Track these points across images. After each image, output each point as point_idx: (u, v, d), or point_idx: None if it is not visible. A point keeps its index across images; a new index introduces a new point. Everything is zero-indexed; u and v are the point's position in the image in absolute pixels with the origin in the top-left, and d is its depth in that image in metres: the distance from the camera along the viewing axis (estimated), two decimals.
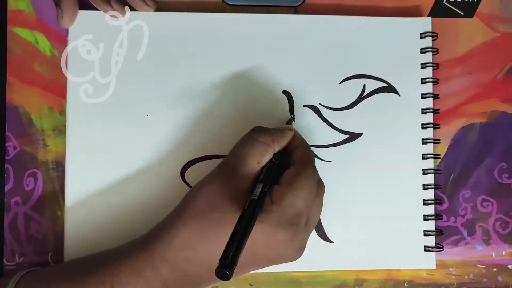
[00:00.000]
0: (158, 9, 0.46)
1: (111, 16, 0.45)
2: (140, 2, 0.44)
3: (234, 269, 0.32)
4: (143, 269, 0.37)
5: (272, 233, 0.37)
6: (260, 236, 0.37)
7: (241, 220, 0.35)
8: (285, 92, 0.47)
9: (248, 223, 0.34)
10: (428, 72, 0.48)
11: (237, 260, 0.32)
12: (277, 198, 0.38)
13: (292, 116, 0.46)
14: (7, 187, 0.45)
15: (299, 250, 0.39)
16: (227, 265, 0.31)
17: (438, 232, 0.47)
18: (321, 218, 0.46)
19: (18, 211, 0.45)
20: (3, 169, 0.45)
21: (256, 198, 0.36)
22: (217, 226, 0.37)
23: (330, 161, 0.47)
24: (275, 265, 0.45)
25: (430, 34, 0.48)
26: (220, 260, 0.32)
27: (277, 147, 0.41)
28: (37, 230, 0.45)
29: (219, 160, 0.43)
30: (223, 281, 0.33)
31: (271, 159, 0.40)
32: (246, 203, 0.36)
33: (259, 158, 0.39)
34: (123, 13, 0.45)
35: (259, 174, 0.39)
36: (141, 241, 0.39)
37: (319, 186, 0.41)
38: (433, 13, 0.49)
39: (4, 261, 0.45)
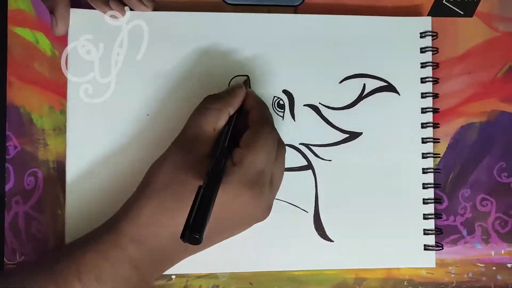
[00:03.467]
0: (158, 9, 0.46)
1: (111, 16, 0.45)
2: (137, 2, 0.44)
3: (203, 231, 0.31)
4: (109, 250, 0.37)
5: (236, 194, 0.37)
6: (224, 199, 0.36)
7: (205, 186, 0.34)
8: (285, 92, 0.47)
9: (212, 188, 0.34)
10: (428, 72, 0.48)
11: (206, 222, 0.32)
12: (237, 159, 0.38)
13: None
14: (7, 186, 0.45)
15: (266, 210, 0.40)
16: (195, 229, 0.31)
17: (438, 231, 0.47)
18: (321, 217, 0.46)
19: (18, 210, 0.45)
20: (3, 169, 0.45)
21: (215, 164, 0.37)
22: (180, 198, 0.37)
23: (330, 160, 0.47)
24: (274, 264, 0.45)
25: (430, 33, 0.48)
26: (186, 225, 0.32)
27: (231, 110, 0.41)
28: (38, 229, 0.45)
29: None
30: (195, 247, 0.34)
31: (227, 123, 0.41)
32: (206, 171, 0.36)
33: (213, 124, 0.40)
34: (123, 13, 0.45)
35: (217, 139, 0.40)
36: (107, 225, 0.39)
37: (280, 145, 0.41)
38: (433, 13, 0.49)
39: (5, 260, 0.45)
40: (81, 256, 0.37)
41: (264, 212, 0.40)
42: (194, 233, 0.31)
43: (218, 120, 0.40)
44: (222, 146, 0.39)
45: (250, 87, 0.46)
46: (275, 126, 0.45)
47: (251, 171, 0.38)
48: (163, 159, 0.40)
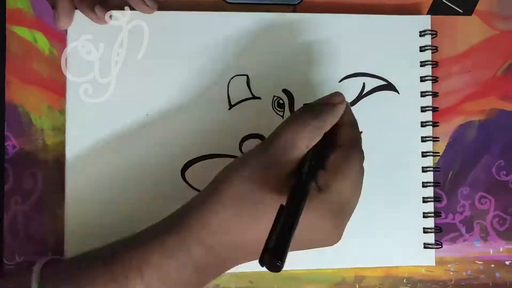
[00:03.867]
0: (158, 8, 0.46)
1: (111, 16, 0.44)
2: (139, 2, 0.44)
3: (285, 258, 0.29)
4: (175, 251, 0.36)
5: (318, 222, 0.36)
6: (305, 223, 0.33)
7: (288, 209, 0.32)
8: (285, 91, 0.47)
9: (295, 213, 0.31)
10: (427, 70, 0.48)
11: (287, 248, 0.29)
12: (324, 185, 0.36)
13: (247, 76, 0.46)
14: (6, 187, 0.45)
15: (338, 237, 0.38)
16: (276, 255, 0.29)
17: (437, 229, 0.48)
18: None
19: (17, 210, 0.45)
20: (2, 169, 0.45)
21: (301, 186, 0.34)
22: (256, 213, 0.35)
23: None
24: None
25: (429, 32, 0.48)
26: (266, 248, 0.29)
27: (328, 128, 0.38)
28: (37, 229, 0.45)
29: (220, 160, 0.44)
30: (272, 271, 0.30)
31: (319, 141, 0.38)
32: (290, 190, 0.34)
33: (308, 142, 0.37)
34: (105, 21, 0.44)
35: (304, 158, 0.37)
36: (172, 223, 0.37)
37: (363, 169, 0.39)
38: (432, 11, 0.49)
39: (4, 260, 0.45)
40: (145, 252, 0.36)
41: (337, 240, 0.38)
42: (275, 260, 0.29)
43: (313, 139, 0.37)
44: (310, 166, 0.36)
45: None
46: (274, 125, 0.45)
47: (337, 200, 0.36)
48: (243, 164, 0.37)
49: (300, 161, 0.37)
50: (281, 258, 0.29)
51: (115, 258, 0.36)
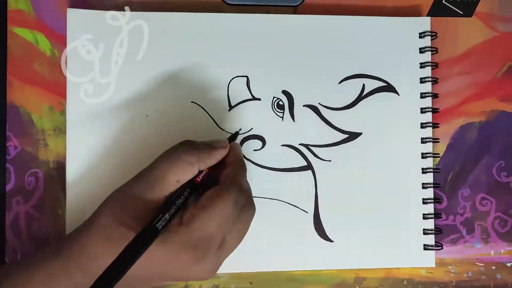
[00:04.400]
0: (158, 9, 0.46)
1: (111, 16, 0.45)
2: None
3: None
4: (57, 275, 0.37)
5: (174, 254, 0.36)
6: (160, 255, 0.36)
7: (131, 243, 0.34)
8: (285, 92, 0.47)
9: (138, 247, 0.33)
10: (427, 72, 0.48)
11: (113, 284, 0.32)
12: (187, 219, 0.36)
13: (239, 130, 0.46)
14: (8, 187, 0.45)
15: (208, 273, 0.38)
16: (101, 285, 0.31)
17: (438, 231, 0.47)
18: (321, 217, 0.46)
19: (19, 210, 0.45)
20: (4, 169, 0.45)
21: (154, 223, 0.35)
22: (119, 243, 0.35)
23: (330, 161, 0.47)
24: (274, 264, 0.45)
25: (429, 33, 0.48)
26: (97, 280, 0.31)
27: (202, 166, 0.39)
28: (39, 229, 0.46)
29: None
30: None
31: (192, 179, 0.39)
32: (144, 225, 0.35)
33: (180, 176, 0.38)
34: None
35: (175, 191, 0.38)
36: (56, 248, 0.39)
37: (245, 210, 0.39)
38: (432, 13, 0.49)
39: (6, 260, 0.45)
40: (30, 275, 0.37)
41: (205, 274, 0.38)
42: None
43: (185, 174, 0.38)
44: (173, 200, 0.37)
45: (235, 139, 0.45)
46: (274, 127, 0.46)
47: (197, 235, 0.36)
48: (119, 192, 0.39)
49: (172, 195, 0.38)
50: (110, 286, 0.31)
51: (3, 279, 0.37)
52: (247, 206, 0.39)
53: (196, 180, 0.39)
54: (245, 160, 0.45)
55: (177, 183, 0.38)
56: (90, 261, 0.37)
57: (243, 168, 0.42)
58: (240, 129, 0.46)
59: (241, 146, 0.46)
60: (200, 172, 0.40)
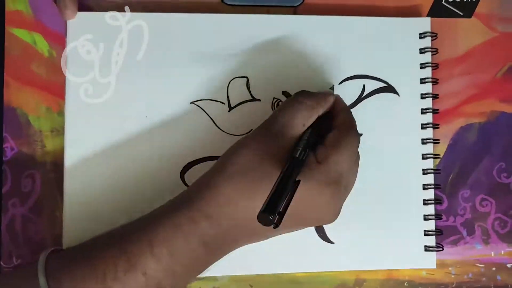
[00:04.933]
0: (158, 9, 0.46)
1: (111, 16, 0.44)
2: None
3: (277, 214, 0.32)
4: (182, 224, 0.37)
5: (318, 192, 0.38)
6: (306, 194, 0.37)
7: (283, 174, 0.35)
8: (284, 93, 0.46)
9: (290, 177, 0.34)
10: (428, 72, 0.48)
11: (280, 206, 0.32)
12: (322, 157, 0.38)
13: (247, 77, 0.46)
14: (4, 189, 0.45)
15: (336, 213, 0.40)
16: (270, 210, 0.32)
17: (438, 232, 0.47)
18: None
19: (15, 212, 0.45)
20: (0, 171, 0.45)
21: (297, 156, 0.37)
22: (259, 184, 0.37)
23: None
24: (274, 266, 0.45)
25: (429, 34, 0.48)
26: (263, 206, 0.32)
27: (321, 110, 0.41)
28: (35, 231, 0.45)
29: None
30: (264, 231, 0.36)
31: (314, 123, 0.41)
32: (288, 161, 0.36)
33: (304, 120, 0.40)
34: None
35: (302, 135, 0.40)
36: (180, 201, 0.39)
37: (358, 153, 0.41)
38: (432, 13, 0.49)
39: (1, 263, 0.45)
40: (154, 228, 0.37)
41: (334, 215, 0.40)
42: (269, 215, 0.32)
43: (309, 117, 0.40)
44: (308, 140, 0.39)
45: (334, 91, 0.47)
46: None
47: (334, 170, 0.38)
48: (245, 143, 0.40)
49: (299, 139, 0.39)
50: (274, 212, 0.32)
51: (125, 235, 0.38)
52: (358, 152, 0.42)
53: (317, 128, 0.41)
54: None
55: (303, 126, 0.40)
56: (218, 209, 0.37)
57: (352, 114, 0.43)
58: (333, 85, 0.47)
59: None
60: (319, 117, 0.42)
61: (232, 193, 0.37)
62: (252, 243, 0.41)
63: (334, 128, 0.41)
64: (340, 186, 0.38)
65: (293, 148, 0.38)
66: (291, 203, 0.34)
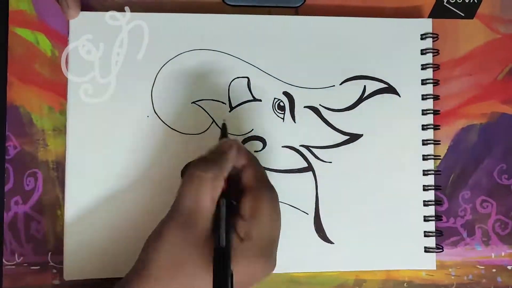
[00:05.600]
0: (158, 9, 0.46)
1: (111, 16, 0.45)
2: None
3: None
4: None
5: (249, 266, 0.36)
6: (239, 270, 0.35)
7: (216, 273, 0.33)
8: (285, 93, 0.47)
9: (226, 273, 0.33)
10: (429, 73, 0.48)
11: None
12: (244, 234, 0.36)
13: (248, 77, 0.45)
14: (7, 187, 0.45)
15: (273, 264, 0.38)
16: None
17: (438, 233, 0.47)
18: (321, 219, 0.46)
19: (18, 210, 0.45)
20: (3, 169, 0.45)
21: (220, 246, 0.35)
22: (190, 279, 0.35)
23: (331, 162, 0.47)
24: (277, 265, 0.45)
25: (431, 35, 0.48)
26: None
27: (226, 172, 0.38)
28: (37, 229, 0.45)
29: None
30: None
31: (223, 192, 0.37)
32: (212, 247, 0.35)
33: (211, 194, 0.36)
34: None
35: (217, 209, 0.37)
36: None
37: (278, 203, 0.39)
38: (433, 14, 0.49)
39: (4, 260, 0.45)
40: None
41: (273, 268, 0.38)
42: None
43: (215, 190, 0.36)
44: (226, 217, 0.36)
45: (226, 131, 0.43)
46: (275, 128, 0.46)
47: (260, 241, 0.36)
48: (160, 236, 0.36)
49: (214, 216, 0.37)
50: None
51: None
52: (275, 191, 0.39)
53: (229, 200, 0.38)
54: None
55: (213, 201, 0.37)
56: None
57: (258, 163, 0.41)
58: (224, 120, 0.44)
59: None
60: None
61: None
62: None
63: (245, 190, 0.38)
64: (270, 248, 0.37)
65: (213, 229, 0.36)
66: None
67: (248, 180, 0.39)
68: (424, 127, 0.48)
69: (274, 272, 0.45)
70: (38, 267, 0.44)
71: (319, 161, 0.47)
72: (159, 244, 0.36)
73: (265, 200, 0.37)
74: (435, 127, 0.48)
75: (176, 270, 0.35)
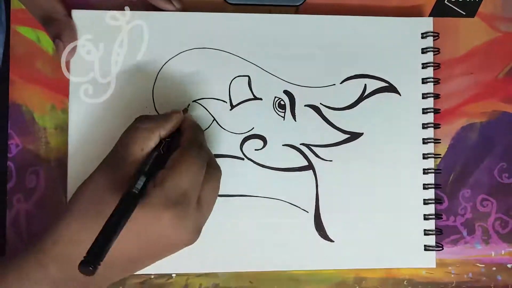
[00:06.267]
0: (158, 9, 0.46)
1: (111, 16, 0.45)
2: (163, 2, 0.45)
3: (99, 264, 0.31)
4: (30, 270, 0.36)
5: (156, 216, 0.36)
6: (144, 222, 0.36)
7: (114, 212, 0.34)
8: (286, 92, 0.47)
9: (121, 213, 0.34)
10: (429, 72, 0.48)
11: (103, 254, 0.31)
12: (159, 181, 0.37)
13: (188, 104, 0.46)
14: (9, 185, 0.46)
15: (193, 232, 0.38)
16: (90, 260, 0.30)
17: (438, 232, 0.47)
18: (321, 217, 0.46)
19: (20, 208, 0.46)
20: (5, 167, 0.46)
21: (132, 189, 0.36)
22: (103, 218, 0.34)
23: (331, 161, 0.47)
24: (274, 264, 0.45)
25: (431, 34, 0.48)
26: (85, 254, 0.31)
27: (162, 132, 0.40)
28: (39, 227, 0.46)
29: (221, 160, 0.44)
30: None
31: (157, 148, 0.39)
32: (123, 194, 0.36)
33: (142, 144, 0.39)
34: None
35: (144, 161, 0.39)
36: (30, 245, 0.38)
37: (212, 167, 0.40)
38: (434, 13, 0.49)
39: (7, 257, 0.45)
40: (3, 276, 0.36)
41: (191, 234, 0.38)
42: (88, 265, 0.30)
43: (147, 141, 0.39)
44: (143, 167, 0.38)
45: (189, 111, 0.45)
46: (275, 126, 0.46)
47: (173, 192, 0.36)
48: (90, 178, 0.39)
49: (141, 165, 0.38)
50: (94, 262, 0.30)
51: None
52: (212, 165, 0.41)
53: (160, 151, 0.39)
54: (246, 159, 0.46)
55: (142, 151, 0.39)
56: (64, 249, 0.36)
57: (201, 131, 0.43)
58: (189, 104, 0.46)
59: (243, 146, 0.46)
60: (161, 142, 0.40)
61: (76, 231, 0.36)
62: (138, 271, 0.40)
63: (179, 148, 0.40)
64: (186, 205, 0.36)
65: (134, 176, 0.37)
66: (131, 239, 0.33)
67: (184, 140, 0.41)
68: (425, 126, 0.48)
69: (273, 269, 0.46)
70: None
71: (319, 159, 0.47)
72: (87, 182, 0.38)
73: (189, 155, 0.38)
74: (436, 126, 0.48)
75: (96, 211, 0.36)
